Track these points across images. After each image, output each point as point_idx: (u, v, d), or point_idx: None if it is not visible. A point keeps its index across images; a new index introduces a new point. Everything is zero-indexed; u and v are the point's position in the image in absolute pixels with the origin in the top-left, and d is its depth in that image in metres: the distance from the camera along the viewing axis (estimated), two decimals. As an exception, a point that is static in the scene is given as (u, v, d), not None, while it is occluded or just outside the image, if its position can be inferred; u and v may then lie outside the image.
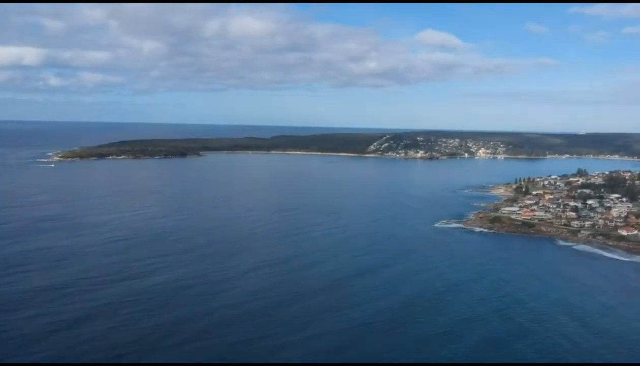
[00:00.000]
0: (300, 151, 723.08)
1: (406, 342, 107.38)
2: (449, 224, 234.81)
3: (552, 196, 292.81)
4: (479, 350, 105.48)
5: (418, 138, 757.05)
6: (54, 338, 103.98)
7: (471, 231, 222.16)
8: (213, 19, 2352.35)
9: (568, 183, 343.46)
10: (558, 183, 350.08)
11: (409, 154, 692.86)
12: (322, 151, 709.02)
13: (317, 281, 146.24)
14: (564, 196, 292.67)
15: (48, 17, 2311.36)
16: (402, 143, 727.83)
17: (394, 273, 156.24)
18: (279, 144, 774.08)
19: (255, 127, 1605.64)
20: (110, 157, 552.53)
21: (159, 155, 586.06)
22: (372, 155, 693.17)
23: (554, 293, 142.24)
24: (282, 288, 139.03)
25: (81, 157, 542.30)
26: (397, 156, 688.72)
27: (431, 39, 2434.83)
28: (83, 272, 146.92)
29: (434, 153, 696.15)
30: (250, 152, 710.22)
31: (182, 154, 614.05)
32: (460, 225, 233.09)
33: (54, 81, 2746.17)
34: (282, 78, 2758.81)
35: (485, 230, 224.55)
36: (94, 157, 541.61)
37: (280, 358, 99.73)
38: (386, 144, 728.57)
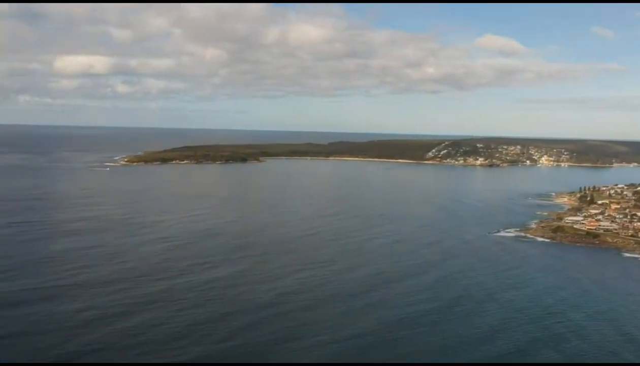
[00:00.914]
0: (357, 157, 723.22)
1: (435, 346, 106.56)
2: (508, 233, 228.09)
3: (618, 206, 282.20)
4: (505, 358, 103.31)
5: (478, 145, 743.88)
6: (100, 329, 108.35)
7: (531, 241, 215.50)
8: (273, 26, 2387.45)
9: (636, 193, 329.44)
10: (625, 192, 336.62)
11: (468, 161, 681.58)
12: (380, 158, 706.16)
13: (357, 283, 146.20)
14: (631, 206, 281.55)
15: (116, 26, 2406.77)
16: (461, 150, 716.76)
17: (435, 279, 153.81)
18: (336, 150, 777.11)
19: (314, 133, 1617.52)
20: (174, 162, 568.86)
21: (220, 160, 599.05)
22: (430, 162, 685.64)
23: (606, 305, 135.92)
24: (324, 288, 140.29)
25: (145, 161, 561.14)
26: (456, 163, 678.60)
27: (491, 44, 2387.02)
28: (132, 269, 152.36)
29: (494, 160, 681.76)
30: (308, 158, 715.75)
31: (243, 159, 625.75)
32: (520, 234, 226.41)
33: (121, 88, 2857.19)
34: (341, 84, 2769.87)
35: (547, 240, 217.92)
36: (157, 162, 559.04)
37: (319, 354, 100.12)
38: (445, 150, 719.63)
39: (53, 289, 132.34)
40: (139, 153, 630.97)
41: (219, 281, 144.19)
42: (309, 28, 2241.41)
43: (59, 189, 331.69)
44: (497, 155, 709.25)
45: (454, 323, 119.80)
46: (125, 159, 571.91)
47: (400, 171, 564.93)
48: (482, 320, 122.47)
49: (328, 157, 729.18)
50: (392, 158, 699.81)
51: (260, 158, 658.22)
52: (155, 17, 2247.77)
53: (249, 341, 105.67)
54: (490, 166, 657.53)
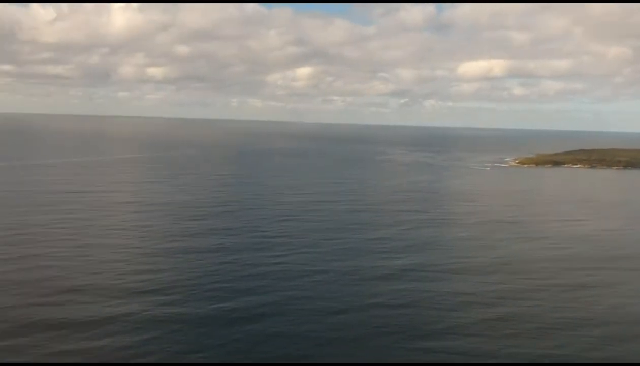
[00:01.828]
0: None
1: None
2: None
3: None
4: None
5: None
6: (471, 314, 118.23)
7: None
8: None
9: None
10: None
11: None
12: None
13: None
14: None
15: (515, 29, 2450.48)
16: None
17: None
18: None
19: None
20: (566, 165, 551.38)
21: (617, 166, 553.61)
22: None
23: None
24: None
25: (536, 163, 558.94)
26: None
27: None
28: (505, 264, 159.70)
29: None
30: None
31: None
32: None
33: (517, 91, 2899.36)
34: None
35: None
36: (548, 165, 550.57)
37: None
38: None
39: (435, 273, 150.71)
40: (530, 155, 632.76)
41: (588, 289, 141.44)
42: None
43: (449, 184, 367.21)
44: None
45: None
46: (516, 161, 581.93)
47: None
48: None
49: None
50: None
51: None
52: (556, 17, 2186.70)
53: (615, 354, 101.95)
54: None
